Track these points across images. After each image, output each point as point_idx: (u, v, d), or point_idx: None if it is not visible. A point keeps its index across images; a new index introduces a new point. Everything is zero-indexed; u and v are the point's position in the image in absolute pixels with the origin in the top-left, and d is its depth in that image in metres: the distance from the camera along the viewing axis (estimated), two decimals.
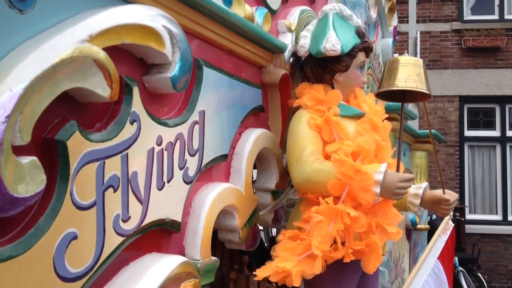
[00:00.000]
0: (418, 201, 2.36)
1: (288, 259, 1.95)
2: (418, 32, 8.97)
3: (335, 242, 1.97)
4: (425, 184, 2.44)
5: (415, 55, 7.90)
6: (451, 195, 2.38)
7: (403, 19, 9.05)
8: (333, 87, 2.25)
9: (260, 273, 1.99)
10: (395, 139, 3.05)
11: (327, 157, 2.07)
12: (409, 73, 2.16)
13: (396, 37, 4.36)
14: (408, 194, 2.36)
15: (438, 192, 2.39)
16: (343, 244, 1.98)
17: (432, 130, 4.56)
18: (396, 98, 2.36)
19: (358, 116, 2.24)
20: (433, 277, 2.75)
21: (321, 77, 2.26)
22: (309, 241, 1.95)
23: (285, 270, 1.92)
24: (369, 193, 1.96)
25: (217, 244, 2.55)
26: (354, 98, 2.31)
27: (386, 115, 2.37)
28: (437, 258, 2.91)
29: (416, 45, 8.24)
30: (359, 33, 2.26)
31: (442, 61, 9.65)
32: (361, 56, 2.26)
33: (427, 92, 2.19)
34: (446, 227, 3.13)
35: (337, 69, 2.23)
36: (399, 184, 1.99)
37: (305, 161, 2.02)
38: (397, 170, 2.13)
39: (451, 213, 3.05)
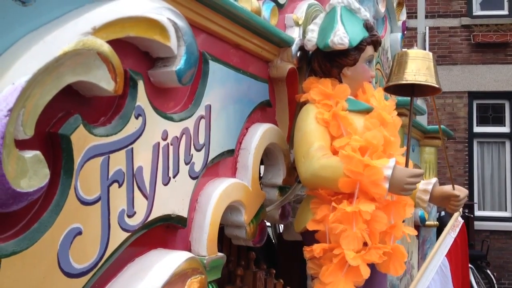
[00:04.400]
0: (427, 197, 2.33)
1: (337, 283, 1.96)
2: (427, 28, 8.94)
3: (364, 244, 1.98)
4: (434, 179, 2.41)
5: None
6: (461, 191, 2.35)
7: (412, 14, 8.98)
8: (341, 82, 2.22)
9: None
10: (404, 135, 3.02)
11: (335, 152, 2.05)
12: (419, 67, 2.12)
13: (405, 32, 4.31)
14: (417, 189, 2.33)
15: (448, 188, 2.36)
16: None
17: (442, 126, 4.52)
18: (405, 92, 2.32)
19: (366, 111, 2.21)
20: (440, 274, 2.73)
21: (328, 71, 2.23)
22: (342, 254, 1.95)
23: None
24: (379, 187, 1.95)
25: (224, 240, 2.53)
26: (362, 93, 2.28)
27: (395, 111, 2.34)
28: (445, 256, 2.88)
29: (425, 40, 8.19)
30: (367, 27, 2.23)
31: (451, 56, 9.58)
32: (369, 49, 2.23)
33: (437, 86, 2.15)
34: (455, 223, 3.10)
35: (345, 63, 2.20)
36: (408, 180, 1.96)
37: (313, 156, 1.99)
38: (406, 165, 2.10)
39: (461, 209, 3.02)
